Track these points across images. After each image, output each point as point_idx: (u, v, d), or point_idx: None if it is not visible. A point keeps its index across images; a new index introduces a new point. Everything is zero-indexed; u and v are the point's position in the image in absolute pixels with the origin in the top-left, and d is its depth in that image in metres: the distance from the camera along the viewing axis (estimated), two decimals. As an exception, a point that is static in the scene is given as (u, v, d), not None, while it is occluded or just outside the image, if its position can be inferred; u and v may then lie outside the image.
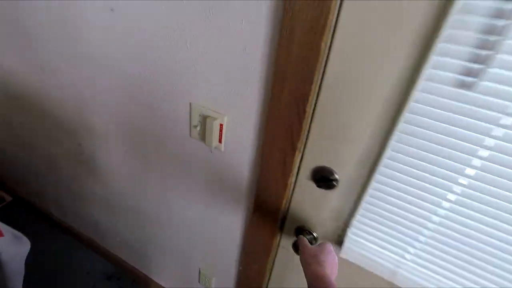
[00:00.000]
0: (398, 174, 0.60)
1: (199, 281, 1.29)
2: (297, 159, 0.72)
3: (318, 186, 0.72)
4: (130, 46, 0.80)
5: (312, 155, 0.71)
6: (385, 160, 0.60)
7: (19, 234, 0.81)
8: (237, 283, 1.14)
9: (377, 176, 0.63)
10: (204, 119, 0.78)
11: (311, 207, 0.79)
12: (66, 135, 1.20)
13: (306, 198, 0.78)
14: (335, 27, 0.54)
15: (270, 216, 0.85)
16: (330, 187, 0.71)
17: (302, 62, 0.58)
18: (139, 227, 1.30)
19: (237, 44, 0.64)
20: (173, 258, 1.30)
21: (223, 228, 1.00)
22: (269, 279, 1.04)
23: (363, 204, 0.67)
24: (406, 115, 0.55)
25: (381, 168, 0.62)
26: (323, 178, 0.71)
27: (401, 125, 0.56)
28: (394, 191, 0.62)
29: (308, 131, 0.68)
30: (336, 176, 0.70)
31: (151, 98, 0.86)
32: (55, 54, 0.97)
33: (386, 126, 0.59)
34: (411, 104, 0.53)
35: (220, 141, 0.80)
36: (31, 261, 0.92)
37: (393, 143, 0.58)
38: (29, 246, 0.82)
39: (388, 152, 0.59)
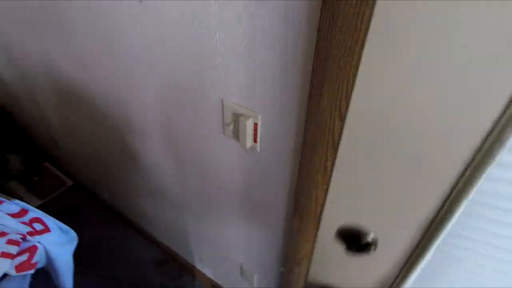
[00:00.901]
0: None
1: (241, 275, 1.27)
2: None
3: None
4: (161, 40, 0.75)
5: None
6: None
7: (67, 228, 0.84)
8: (279, 284, 1.09)
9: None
10: (237, 118, 0.71)
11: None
12: (110, 130, 1.23)
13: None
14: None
15: (310, 221, 0.77)
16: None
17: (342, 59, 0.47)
18: (182, 220, 1.31)
19: (272, 39, 0.55)
20: (216, 252, 1.30)
21: (262, 229, 0.95)
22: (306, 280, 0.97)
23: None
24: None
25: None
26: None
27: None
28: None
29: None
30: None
31: (185, 95, 0.81)
32: (96, 51, 0.97)
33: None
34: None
35: (255, 140, 0.73)
36: (86, 242, 0.97)
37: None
38: (76, 241, 0.86)
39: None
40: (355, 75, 0.49)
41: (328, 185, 0.67)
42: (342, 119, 0.54)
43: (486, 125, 0.42)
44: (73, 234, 0.86)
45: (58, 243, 0.78)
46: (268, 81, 0.61)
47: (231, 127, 0.74)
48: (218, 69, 0.68)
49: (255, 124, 0.70)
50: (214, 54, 0.66)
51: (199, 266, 1.52)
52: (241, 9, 0.55)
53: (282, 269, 1.02)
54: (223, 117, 0.75)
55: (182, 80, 0.78)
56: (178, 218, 1.33)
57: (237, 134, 0.74)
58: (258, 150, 0.75)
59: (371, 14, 0.42)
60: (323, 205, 0.71)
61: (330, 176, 0.64)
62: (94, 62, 1.01)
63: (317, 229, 0.78)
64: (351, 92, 0.51)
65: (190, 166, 1.00)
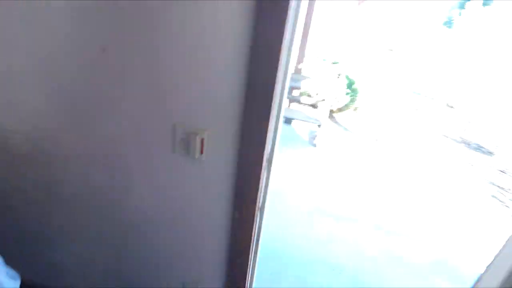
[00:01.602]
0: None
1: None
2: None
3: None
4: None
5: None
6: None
7: (13, 273, 0.82)
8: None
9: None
10: (187, 135, 0.93)
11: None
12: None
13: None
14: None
15: (249, 222, 1.01)
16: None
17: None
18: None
19: (212, 67, 0.83)
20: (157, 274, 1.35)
21: (206, 233, 1.13)
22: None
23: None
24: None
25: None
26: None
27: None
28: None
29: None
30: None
31: (135, 119, 0.98)
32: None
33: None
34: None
35: (202, 152, 0.96)
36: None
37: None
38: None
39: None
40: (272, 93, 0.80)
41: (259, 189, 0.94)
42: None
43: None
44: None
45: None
46: (213, 103, 0.88)
47: (181, 144, 0.95)
48: (170, 94, 0.90)
49: (202, 139, 0.93)
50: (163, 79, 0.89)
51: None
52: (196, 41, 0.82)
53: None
54: (174, 136, 0.96)
55: (134, 106, 0.96)
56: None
57: (186, 149, 0.96)
58: (204, 159, 0.97)
59: None
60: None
61: (260, 182, 0.92)
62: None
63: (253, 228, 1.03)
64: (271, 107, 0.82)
65: (140, 188, 1.11)
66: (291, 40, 0.82)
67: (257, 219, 1.06)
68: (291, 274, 2.04)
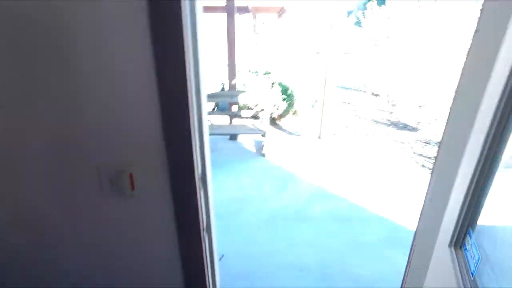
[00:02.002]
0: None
1: None
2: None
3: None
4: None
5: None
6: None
7: None
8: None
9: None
10: (114, 173, 0.92)
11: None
12: None
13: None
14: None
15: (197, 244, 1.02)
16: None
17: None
18: None
19: (127, 103, 0.84)
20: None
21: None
22: None
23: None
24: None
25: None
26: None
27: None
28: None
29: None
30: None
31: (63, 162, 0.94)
32: None
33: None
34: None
35: (132, 189, 0.95)
36: None
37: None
38: None
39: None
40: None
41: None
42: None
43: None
44: None
45: None
46: (135, 138, 0.88)
47: (110, 183, 0.93)
48: (92, 136, 0.89)
49: (131, 175, 0.93)
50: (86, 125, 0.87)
51: None
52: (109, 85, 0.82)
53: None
54: (100, 177, 0.94)
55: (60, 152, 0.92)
56: None
57: (117, 188, 0.94)
58: (136, 193, 0.96)
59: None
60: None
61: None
62: None
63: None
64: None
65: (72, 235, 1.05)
66: (196, 64, 0.87)
67: (205, 240, 1.06)
68: (259, 283, 2.06)
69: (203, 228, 1.04)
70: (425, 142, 4.90)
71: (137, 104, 0.85)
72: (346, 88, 9.65)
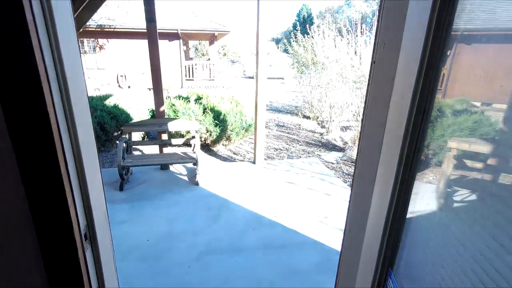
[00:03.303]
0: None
1: None
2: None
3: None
4: None
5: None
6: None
7: None
8: None
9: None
10: None
11: None
12: None
13: None
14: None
15: None
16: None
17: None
18: None
19: None
20: None
21: None
22: None
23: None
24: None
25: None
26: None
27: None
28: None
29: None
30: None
31: None
32: None
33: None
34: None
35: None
36: None
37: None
38: None
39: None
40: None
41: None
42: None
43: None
44: None
45: None
46: None
47: None
48: None
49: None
50: None
51: None
52: None
53: None
54: None
55: None
56: None
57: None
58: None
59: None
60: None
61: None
62: None
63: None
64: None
65: None
66: (68, 101, 0.71)
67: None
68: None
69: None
70: (352, 162, 5.27)
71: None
72: (280, 111, 10.07)
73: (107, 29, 13.03)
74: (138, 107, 5.76)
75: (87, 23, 12.55)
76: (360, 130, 1.05)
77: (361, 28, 7.66)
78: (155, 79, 3.96)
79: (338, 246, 2.73)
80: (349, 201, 1.11)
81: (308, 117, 8.95)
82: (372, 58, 0.98)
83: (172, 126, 4.11)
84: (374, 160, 0.93)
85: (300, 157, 5.53)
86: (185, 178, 4.22)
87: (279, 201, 3.63)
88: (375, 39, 0.98)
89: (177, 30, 13.66)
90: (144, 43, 13.77)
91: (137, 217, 3.15)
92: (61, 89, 0.70)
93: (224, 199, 3.63)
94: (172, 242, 2.74)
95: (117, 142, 4.01)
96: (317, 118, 8.56)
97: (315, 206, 3.52)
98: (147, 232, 2.87)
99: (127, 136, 3.92)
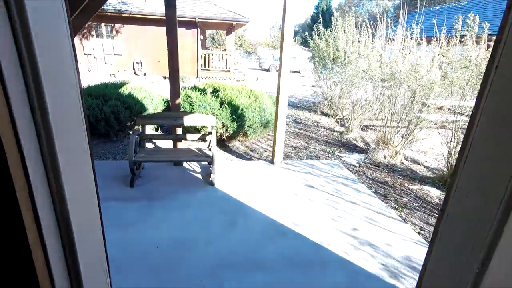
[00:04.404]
0: None
1: None
2: None
3: None
4: None
5: None
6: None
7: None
8: None
9: None
10: None
11: None
12: None
13: None
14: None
15: None
16: None
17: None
18: None
19: None
20: None
21: None
22: None
23: None
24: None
25: None
26: None
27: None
28: None
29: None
30: None
31: None
32: None
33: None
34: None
35: None
36: None
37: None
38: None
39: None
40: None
41: None
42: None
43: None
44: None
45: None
46: None
47: None
48: None
49: None
50: None
51: None
52: None
53: None
54: None
55: None
56: None
57: None
58: None
59: None
60: None
61: None
62: None
63: None
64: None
65: None
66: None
67: None
68: None
69: None
70: (375, 166, 4.91)
71: None
72: (297, 107, 9.70)
73: (125, 14, 12.85)
74: (153, 97, 5.52)
75: (105, 7, 12.40)
76: (463, 151, 0.74)
77: (386, 22, 7.15)
78: (172, 68, 3.68)
79: (368, 266, 2.43)
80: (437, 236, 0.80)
81: (326, 114, 8.56)
82: (493, 62, 0.67)
83: (187, 120, 3.85)
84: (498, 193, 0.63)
85: (320, 157, 5.20)
86: (199, 176, 3.97)
87: (299, 207, 3.34)
88: (498, 37, 0.66)
89: (195, 18, 13.35)
90: (161, 30, 13.54)
91: (146, 219, 2.92)
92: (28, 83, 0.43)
93: (240, 203, 3.36)
94: (183, 251, 2.50)
95: (130, 132, 3.79)
96: (337, 115, 8.16)
97: (339, 215, 3.22)
98: (156, 238, 2.64)
99: (140, 128, 3.69)
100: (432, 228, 3.21)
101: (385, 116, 5.87)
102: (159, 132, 5.56)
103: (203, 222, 2.93)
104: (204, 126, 4.73)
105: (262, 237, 2.75)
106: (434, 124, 4.94)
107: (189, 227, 2.83)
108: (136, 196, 3.32)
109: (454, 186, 0.75)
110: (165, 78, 14.09)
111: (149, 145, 5.07)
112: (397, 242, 2.82)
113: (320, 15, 10.05)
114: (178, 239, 2.64)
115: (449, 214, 0.76)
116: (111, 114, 4.56)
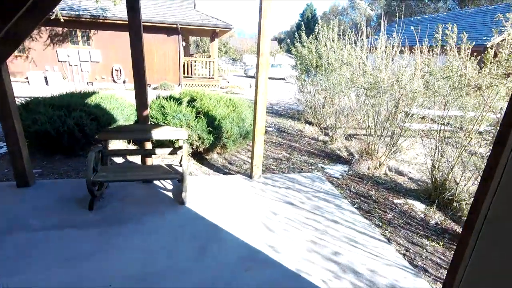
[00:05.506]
0: None
1: None
2: None
3: None
4: None
5: None
6: None
7: None
8: None
9: None
10: None
11: None
12: None
13: None
14: None
15: None
16: None
17: None
18: None
19: None
20: None
21: None
22: None
23: None
24: None
25: None
26: None
27: None
28: None
29: None
30: None
31: None
32: None
33: None
34: None
35: None
36: None
37: None
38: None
39: None
40: None
41: None
42: None
43: None
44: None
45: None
46: None
47: None
48: None
49: None
50: None
51: None
52: None
53: None
54: None
55: None
56: None
57: None
58: None
59: None
60: None
61: None
62: None
63: None
64: None
65: None
66: None
67: None
68: None
69: None
70: (359, 178, 4.72)
71: None
72: (281, 115, 9.49)
73: (101, 20, 12.39)
74: (124, 108, 5.16)
75: (80, 13, 11.93)
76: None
77: (368, 32, 7.08)
78: (137, 79, 3.37)
79: (350, 300, 2.18)
80: None
81: (310, 123, 8.39)
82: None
83: (156, 134, 3.54)
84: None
85: (302, 169, 4.96)
86: (170, 194, 3.64)
87: (278, 228, 3.07)
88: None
89: (176, 24, 13.03)
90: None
91: (105, 249, 2.57)
92: None
93: (214, 224, 3.06)
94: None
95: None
96: (320, 124, 8.00)
97: (320, 236, 2.96)
98: (112, 274, 2.29)
99: (102, 144, 3.34)
100: (417, 248, 3.01)
101: (368, 125, 5.72)
102: (131, 145, 5.19)
103: (171, 252, 2.61)
104: (177, 140, 4.41)
105: (236, 268, 2.46)
106: (418, 134, 4.81)
107: (153, 259, 2.50)
108: (95, 221, 2.96)
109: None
110: (149, 85, 13.63)
111: (118, 160, 4.70)
112: (382, 267, 2.59)
113: (303, 23, 9.95)
114: (137, 275, 2.30)
115: None
116: (74, 126, 4.18)
